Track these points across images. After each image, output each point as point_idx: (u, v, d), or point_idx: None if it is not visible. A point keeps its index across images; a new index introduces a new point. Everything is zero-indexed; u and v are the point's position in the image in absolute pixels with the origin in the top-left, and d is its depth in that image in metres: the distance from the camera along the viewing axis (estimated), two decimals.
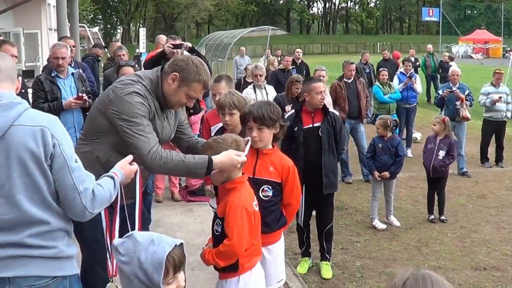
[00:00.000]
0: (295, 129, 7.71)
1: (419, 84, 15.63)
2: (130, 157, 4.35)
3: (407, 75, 15.39)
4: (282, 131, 5.42)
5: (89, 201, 3.67)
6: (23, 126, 3.48)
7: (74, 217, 3.75)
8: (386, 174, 9.68)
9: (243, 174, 4.84)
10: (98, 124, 4.69)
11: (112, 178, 3.99)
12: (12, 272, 3.48)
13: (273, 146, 5.44)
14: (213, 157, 4.56)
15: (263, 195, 5.33)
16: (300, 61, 18.80)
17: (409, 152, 14.88)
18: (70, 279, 3.73)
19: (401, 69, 16.35)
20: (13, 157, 3.45)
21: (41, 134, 3.50)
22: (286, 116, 8.28)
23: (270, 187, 5.32)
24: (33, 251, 3.53)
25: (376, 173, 9.80)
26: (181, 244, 3.14)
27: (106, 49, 23.33)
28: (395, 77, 15.86)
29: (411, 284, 2.44)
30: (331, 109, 8.06)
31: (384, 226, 9.78)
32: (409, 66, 15.88)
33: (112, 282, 4.04)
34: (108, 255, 4.13)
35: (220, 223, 4.78)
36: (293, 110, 8.09)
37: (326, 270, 7.92)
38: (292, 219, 5.86)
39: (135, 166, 4.35)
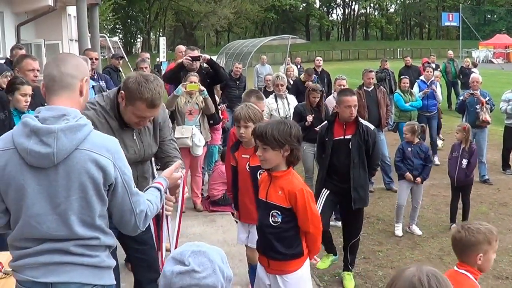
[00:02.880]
0: (326, 139, 7.76)
1: (439, 92, 15.52)
2: (176, 165, 4.51)
3: (428, 83, 15.32)
4: (294, 155, 5.02)
5: (142, 222, 3.82)
6: (87, 152, 3.52)
7: (125, 233, 3.91)
8: (419, 180, 9.74)
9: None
10: None
11: (159, 190, 4.12)
12: (56, 278, 3.56)
13: (288, 167, 5.10)
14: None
15: (272, 221, 5.09)
16: (320, 69, 18.64)
17: (436, 160, 14.78)
18: None
19: (422, 77, 16.17)
20: (75, 181, 3.50)
21: (103, 164, 3.55)
22: (318, 127, 8.35)
23: (279, 213, 5.04)
24: (77, 258, 3.60)
25: (409, 175, 9.80)
26: None
27: (125, 59, 23.37)
28: (415, 85, 15.74)
29: (435, 282, 2.49)
30: (365, 122, 7.97)
31: (400, 233, 9.83)
32: (430, 73, 15.75)
33: None
34: (160, 262, 4.27)
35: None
36: (326, 121, 8.14)
37: (349, 281, 7.92)
38: (316, 249, 5.40)
39: (180, 174, 4.50)
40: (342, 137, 7.71)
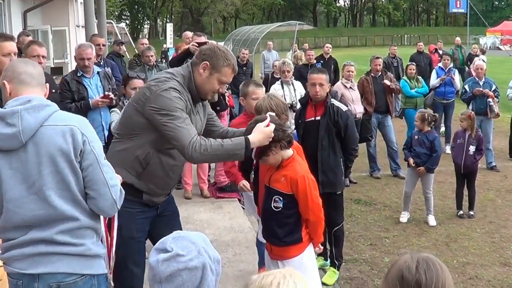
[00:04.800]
0: (299, 121, 7.59)
1: (457, 80, 15.15)
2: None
3: (446, 71, 15.01)
4: (284, 141, 4.98)
5: (118, 197, 3.83)
6: (53, 126, 3.64)
7: (103, 212, 3.88)
8: (422, 169, 9.61)
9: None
10: (135, 123, 4.82)
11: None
12: (41, 269, 3.62)
13: (291, 153, 5.16)
14: (249, 136, 4.73)
15: (274, 206, 5.13)
16: (328, 56, 18.54)
17: (447, 149, 14.23)
18: (98, 278, 3.84)
19: (440, 64, 15.90)
20: (44, 155, 3.60)
21: (70, 132, 3.64)
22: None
23: (281, 198, 5.08)
24: (62, 248, 3.65)
25: (411, 160, 9.72)
26: None
27: (132, 45, 23.23)
28: (433, 72, 15.50)
29: (424, 268, 2.50)
30: (337, 103, 7.62)
31: (405, 220, 9.81)
32: (448, 61, 15.28)
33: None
34: (107, 252, 4.17)
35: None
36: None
37: (329, 276, 7.56)
38: (318, 237, 5.43)
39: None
40: (313, 118, 7.40)
